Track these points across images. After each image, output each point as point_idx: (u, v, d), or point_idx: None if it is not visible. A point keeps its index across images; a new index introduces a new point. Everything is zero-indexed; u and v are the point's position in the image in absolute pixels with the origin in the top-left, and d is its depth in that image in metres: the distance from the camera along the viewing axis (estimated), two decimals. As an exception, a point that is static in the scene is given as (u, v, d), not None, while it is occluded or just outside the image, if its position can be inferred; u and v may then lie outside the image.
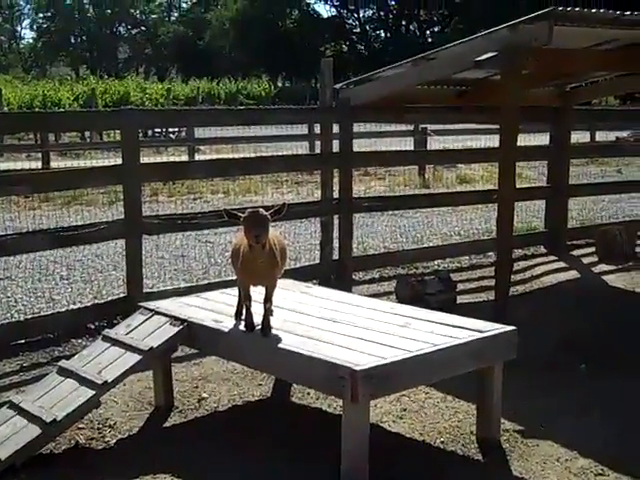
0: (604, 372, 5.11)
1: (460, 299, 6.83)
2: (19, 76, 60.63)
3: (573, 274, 7.98)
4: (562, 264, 8.36)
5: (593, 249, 8.72)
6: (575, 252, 8.90)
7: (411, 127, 17.36)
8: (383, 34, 66.09)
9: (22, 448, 3.71)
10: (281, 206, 3.93)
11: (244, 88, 44.09)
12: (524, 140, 7.79)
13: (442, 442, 4.13)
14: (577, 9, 5.63)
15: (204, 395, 4.74)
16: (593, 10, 5.73)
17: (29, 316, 6.14)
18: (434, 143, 16.63)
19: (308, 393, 4.69)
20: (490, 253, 8.50)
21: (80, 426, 4.18)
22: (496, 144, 6.53)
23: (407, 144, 17.02)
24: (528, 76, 6.45)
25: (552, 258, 8.63)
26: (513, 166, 6.08)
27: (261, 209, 3.84)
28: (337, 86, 7.25)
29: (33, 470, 3.69)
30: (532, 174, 14.37)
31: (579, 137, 12.16)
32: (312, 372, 3.66)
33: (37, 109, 27.13)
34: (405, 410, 4.50)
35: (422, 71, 6.58)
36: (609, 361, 5.32)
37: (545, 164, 9.93)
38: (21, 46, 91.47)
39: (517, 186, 6.55)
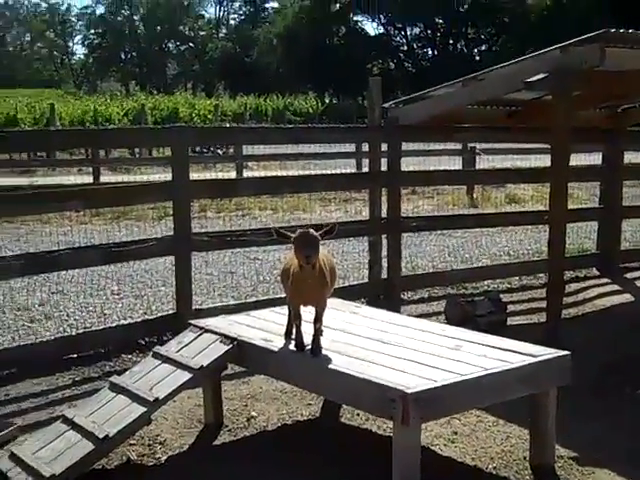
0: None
1: (510, 321, 6.76)
2: (70, 91, 61.90)
3: (627, 297, 7.85)
4: (615, 287, 8.23)
5: (648, 272, 8.56)
6: (628, 275, 8.75)
7: (459, 146, 17.31)
8: (430, 52, 65.98)
9: (76, 463, 3.74)
10: (332, 226, 3.94)
11: (291, 104, 44.35)
12: (575, 159, 7.71)
13: (494, 468, 4.07)
14: (630, 31, 5.57)
15: (253, 414, 4.74)
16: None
17: (81, 331, 6.23)
18: (483, 162, 16.52)
19: (357, 414, 4.67)
20: (541, 274, 8.40)
21: (131, 442, 4.21)
22: (546, 163, 6.48)
23: (455, 163, 16.95)
24: (579, 98, 6.38)
25: (605, 280, 8.50)
26: (565, 187, 6.02)
27: (312, 229, 3.85)
28: (386, 105, 7.25)
29: (86, 485, 3.73)
30: (583, 195, 14.18)
31: (631, 157, 11.96)
32: (362, 393, 3.64)
33: (88, 124, 27.60)
34: (456, 434, 4.46)
35: (472, 91, 6.55)
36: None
37: (597, 184, 9.80)
38: (73, 62, 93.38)
39: (568, 207, 6.48)
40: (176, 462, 4.10)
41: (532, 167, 11.46)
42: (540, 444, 4.03)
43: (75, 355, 5.72)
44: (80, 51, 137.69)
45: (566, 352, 3.97)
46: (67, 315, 6.83)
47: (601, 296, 7.88)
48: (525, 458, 4.11)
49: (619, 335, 6.45)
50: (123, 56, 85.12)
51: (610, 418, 4.72)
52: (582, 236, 10.09)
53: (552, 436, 4.01)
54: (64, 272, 7.52)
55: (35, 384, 5.24)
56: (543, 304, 6.67)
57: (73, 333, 6.16)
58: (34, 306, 7.09)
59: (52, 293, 7.54)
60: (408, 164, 7.92)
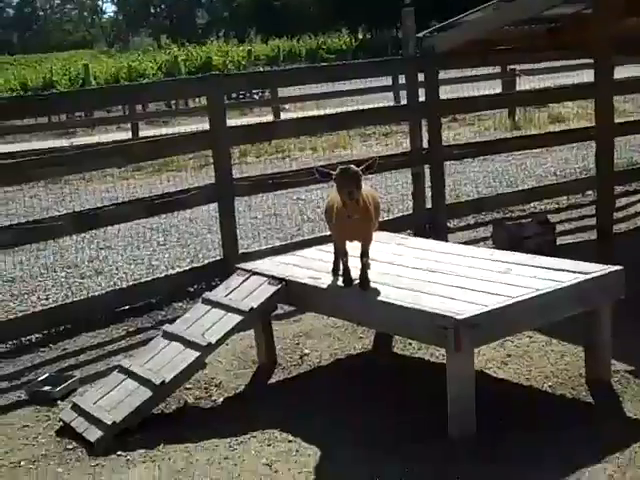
0: None
1: (560, 240, 6.66)
2: (103, 50, 61.95)
3: (679, 208, 7.67)
4: (667, 198, 8.04)
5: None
6: (682, 186, 8.53)
7: (498, 69, 16.90)
8: (462, -24, 64.38)
9: (135, 410, 3.83)
10: (372, 161, 3.87)
11: (324, 43, 43.78)
12: (620, 72, 7.47)
13: (550, 386, 4.05)
14: None
15: (306, 351, 4.77)
16: None
17: (131, 283, 6.30)
18: (523, 83, 16.12)
19: (410, 344, 4.67)
20: (589, 192, 8.24)
21: (188, 386, 4.27)
22: (590, 78, 6.27)
23: (496, 86, 16.58)
24: (620, 6, 6.13)
25: (656, 193, 8.31)
26: (610, 101, 5.83)
27: (352, 165, 3.79)
28: (420, 34, 7.08)
29: (147, 430, 3.80)
30: (629, 107, 13.80)
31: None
32: (414, 323, 3.63)
33: (123, 81, 27.61)
34: (509, 356, 4.43)
35: (507, 12, 6.35)
36: None
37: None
38: (103, 20, 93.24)
39: (615, 121, 6.30)
40: (233, 403, 4.16)
41: (574, 84, 11.17)
42: (596, 360, 3.99)
43: (127, 307, 5.80)
44: (110, 9, 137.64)
45: (618, 267, 3.90)
46: (116, 269, 6.92)
47: (652, 209, 7.71)
48: (581, 375, 4.08)
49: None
50: (152, 10, 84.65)
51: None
52: (631, 149, 9.83)
53: (608, 351, 3.97)
54: (110, 227, 7.59)
55: (91, 337, 5.35)
56: (593, 221, 6.54)
57: (124, 286, 6.24)
58: (84, 263, 7.19)
59: (100, 249, 7.64)
60: (446, 92, 7.75)
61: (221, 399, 4.21)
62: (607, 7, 5.58)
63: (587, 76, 12.90)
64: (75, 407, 4.02)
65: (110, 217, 5.92)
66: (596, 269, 3.90)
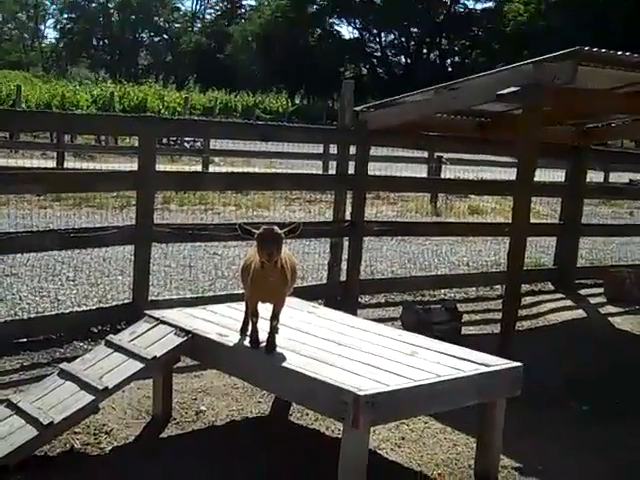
0: (605, 414, 5.08)
1: (465, 330, 6.80)
2: (39, 75, 61.05)
3: (580, 313, 7.94)
4: (569, 302, 8.33)
5: (601, 290, 8.68)
6: (583, 291, 8.86)
7: (425, 154, 17.39)
8: (403, 60, 66.39)
9: (17, 449, 3.67)
10: (296, 225, 3.91)
11: (261, 102, 44.23)
12: (539, 175, 7.81)
13: (439, 474, 4.08)
14: (603, 50, 5.63)
15: (202, 408, 4.71)
16: (619, 52, 5.72)
17: (33, 315, 6.12)
18: (447, 172, 16.62)
19: (307, 413, 4.66)
20: (497, 286, 8.47)
21: (77, 430, 4.15)
22: (509, 177, 6.53)
23: (420, 170, 17.03)
24: (548, 113, 6.44)
25: (559, 296, 8.60)
26: (528, 201, 6.06)
27: (276, 227, 3.82)
28: (357, 108, 7.25)
29: (27, 471, 3.66)
30: (543, 209, 14.33)
31: (593, 176, 12.14)
32: (314, 394, 3.63)
33: (55, 109, 27.22)
34: (404, 439, 4.47)
35: (445, 100, 6.57)
36: (610, 403, 5.28)
37: (558, 200, 9.91)
38: (43, 45, 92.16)
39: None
40: (121, 453, 4.05)
41: (496, 180, 11.57)
42: (486, 453, 4.05)
43: (25, 339, 5.62)
44: (51, 35, 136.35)
45: (518, 363, 4.00)
46: (20, 298, 6.71)
47: (555, 311, 7.97)
48: (470, 466, 4.14)
49: (571, 350, 6.53)
50: (95, 42, 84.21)
51: (557, 432, 4.77)
52: (539, 250, 10.19)
53: (498, 446, 4.04)
54: (19, 255, 7.40)
55: (-19, 366, 5.15)
56: (498, 315, 6.72)
57: (25, 317, 6.05)
58: (-14, 287, 6.97)
59: (5, 275, 7.42)
60: (373, 169, 7.93)
61: (109, 447, 4.09)
62: (536, 112, 5.84)
63: (506, 174, 13.42)
64: (-47, 438, 3.85)
65: (22, 244, 5.76)
66: (497, 362, 3.99)
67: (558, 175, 10.67)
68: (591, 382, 5.72)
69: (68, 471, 3.76)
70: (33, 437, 3.74)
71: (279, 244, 3.74)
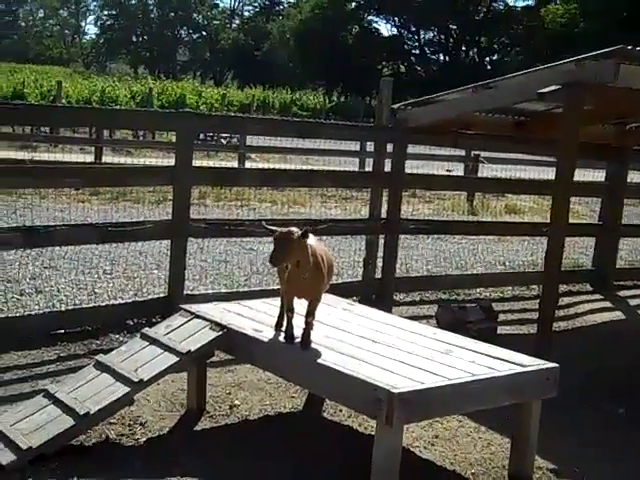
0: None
1: (501, 330, 6.74)
2: (79, 70, 61.81)
3: (618, 315, 7.85)
4: (607, 304, 8.23)
5: (641, 291, 8.57)
6: (622, 293, 8.75)
7: (462, 152, 17.27)
8: (442, 57, 66.01)
9: (54, 437, 3.73)
10: (305, 230, 3.82)
11: (298, 99, 44.30)
12: (578, 174, 7.71)
13: (472, 474, 4.06)
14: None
15: (236, 402, 4.72)
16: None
17: (70, 307, 6.20)
18: (484, 170, 16.50)
19: (340, 410, 4.65)
20: (534, 286, 8.40)
21: (112, 421, 4.19)
22: (546, 177, 6.46)
23: (457, 169, 16.93)
24: (589, 112, 6.36)
25: (597, 297, 8.50)
26: (567, 201, 5.99)
27: (291, 229, 3.79)
28: (395, 106, 7.23)
29: (63, 460, 3.70)
30: (582, 210, 14.18)
31: (633, 177, 11.97)
32: (349, 391, 3.62)
33: (94, 104, 27.52)
34: (437, 437, 4.44)
35: (483, 98, 6.51)
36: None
37: (596, 200, 9.80)
38: (84, 41, 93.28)
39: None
40: (155, 444, 4.08)
41: (534, 179, 11.45)
42: (520, 454, 4.01)
43: (62, 331, 5.69)
44: (92, 31, 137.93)
45: (554, 364, 3.96)
46: (57, 290, 6.80)
47: (592, 312, 7.88)
48: (504, 466, 4.10)
49: (608, 352, 6.45)
50: (134, 39, 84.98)
51: (593, 434, 4.72)
52: (578, 251, 10.08)
53: (533, 447, 4.00)
54: (58, 248, 7.49)
55: (20, 356, 5.22)
56: (534, 315, 6.66)
57: (62, 309, 6.13)
58: (25, 279, 7.06)
59: (44, 267, 7.51)
60: (410, 167, 7.90)
61: (144, 439, 4.13)
62: (577, 111, 5.77)
63: (544, 173, 13.28)
64: (-8, 426, 3.90)
65: (61, 238, 5.84)
66: (533, 363, 3.95)
67: (598, 175, 10.54)
68: (628, 385, 5.64)
69: (103, 461, 3.80)
70: (70, 427, 3.79)
71: (285, 249, 3.73)
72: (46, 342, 5.48)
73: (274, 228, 3.83)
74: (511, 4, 59.59)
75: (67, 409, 3.87)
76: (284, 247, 3.74)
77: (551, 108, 7.05)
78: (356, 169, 17.16)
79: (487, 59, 64.58)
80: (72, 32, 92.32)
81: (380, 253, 7.38)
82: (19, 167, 6.91)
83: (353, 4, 64.96)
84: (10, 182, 6.09)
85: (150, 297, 6.55)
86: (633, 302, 8.38)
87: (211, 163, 15.66)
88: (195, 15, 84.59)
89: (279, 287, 4.29)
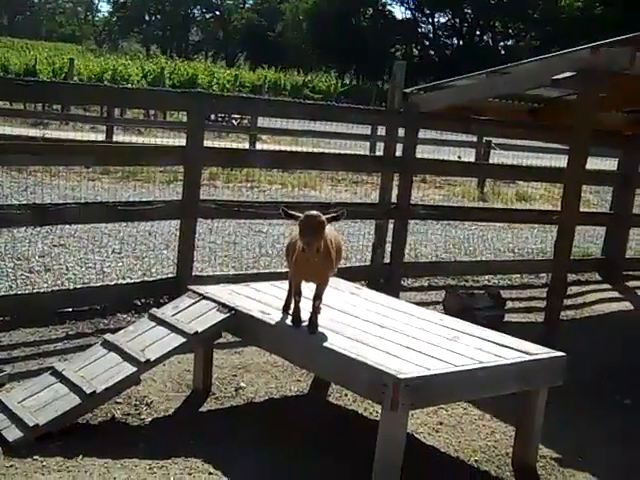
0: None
1: (508, 317, 6.73)
2: (91, 48, 61.72)
3: (626, 305, 7.83)
4: (616, 294, 8.20)
5: (650, 282, 8.54)
6: (630, 283, 8.71)
7: (474, 138, 17.17)
8: (455, 42, 65.58)
9: (60, 416, 3.76)
10: (340, 213, 3.85)
11: (310, 82, 44.12)
12: (590, 163, 7.66)
13: (476, 461, 4.06)
14: (663, 37, 5.48)
15: (242, 384, 4.74)
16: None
17: (79, 285, 6.22)
18: (495, 157, 16.43)
19: (346, 394, 4.66)
20: (542, 274, 8.37)
21: (118, 400, 4.21)
22: (558, 164, 6.42)
23: (468, 154, 16.85)
24: (604, 99, 6.32)
25: (606, 286, 8.48)
26: (579, 189, 5.97)
27: (318, 214, 3.76)
28: (407, 90, 7.18)
29: (68, 438, 3.73)
30: (593, 198, 14.12)
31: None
32: (355, 375, 3.62)
33: (106, 82, 27.51)
34: (442, 424, 4.45)
35: (496, 84, 6.48)
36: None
37: (608, 189, 9.74)
38: (96, 19, 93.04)
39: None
40: (160, 424, 4.10)
41: (546, 166, 11.39)
42: (524, 442, 4.02)
43: (70, 309, 5.71)
44: (105, 8, 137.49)
45: (561, 353, 3.95)
46: (66, 269, 6.81)
47: (601, 301, 7.86)
48: (508, 454, 4.10)
49: (614, 341, 6.44)
50: (147, 18, 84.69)
51: (598, 423, 4.72)
52: (588, 240, 10.04)
53: (538, 435, 4.00)
54: (68, 226, 7.50)
55: (28, 334, 5.25)
56: (542, 304, 6.65)
57: (71, 287, 6.15)
58: (34, 257, 7.07)
59: (54, 246, 7.53)
60: (421, 152, 7.86)
61: (149, 419, 4.14)
62: (592, 97, 5.72)
63: (555, 161, 13.20)
64: (-1, 402, 3.93)
65: (71, 216, 5.83)
66: (540, 351, 3.95)
67: (610, 164, 10.47)
68: (634, 375, 5.63)
69: (108, 440, 3.81)
70: (76, 405, 3.81)
71: (319, 233, 3.71)
72: (54, 320, 5.50)
73: (297, 213, 3.81)
74: (527, -11, 58.89)
75: (74, 387, 3.89)
76: (318, 231, 3.71)
77: (565, 95, 7.01)
78: (367, 153, 17.10)
79: (501, 44, 64.11)
80: (85, 10, 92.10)
81: (389, 238, 7.37)
82: (30, 144, 6.90)
83: (367, -14, 64.49)
84: (22, 159, 6.07)
85: (159, 277, 6.55)
86: (642, 292, 8.36)
87: (222, 144, 15.64)
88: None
89: (287, 270, 4.29)
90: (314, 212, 3.78)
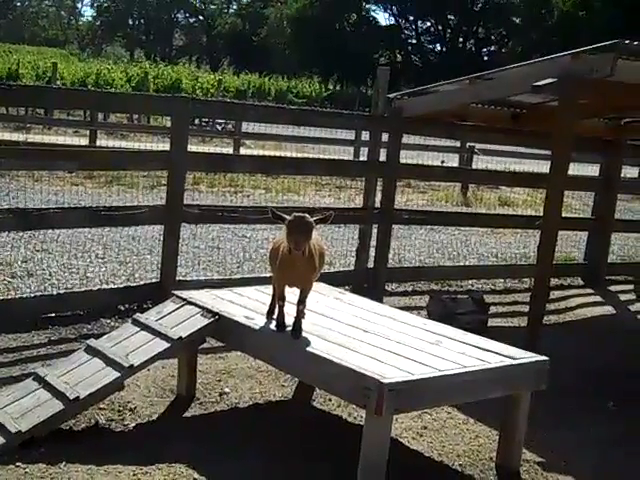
0: (631, 410, 5.03)
1: (491, 322, 6.76)
2: (74, 52, 61.45)
3: (608, 309, 7.87)
4: (598, 298, 8.25)
5: (632, 287, 8.59)
6: (613, 287, 8.77)
7: (457, 143, 17.24)
8: (439, 47, 65.88)
9: (43, 422, 3.73)
10: (327, 215, 3.88)
11: (294, 87, 44.12)
12: (572, 169, 7.74)
13: (460, 465, 4.07)
14: (643, 43, 5.53)
15: (226, 389, 4.73)
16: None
17: (62, 291, 6.19)
18: (479, 162, 16.51)
19: (330, 399, 4.66)
20: (525, 279, 8.41)
21: (101, 406, 4.19)
22: (540, 170, 6.46)
23: (452, 160, 16.92)
24: (585, 106, 6.36)
25: (588, 291, 8.53)
26: (561, 194, 6.00)
27: (307, 215, 3.79)
28: (391, 95, 7.21)
29: (51, 445, 3.70)
30: (575, 203, 14.19)
31: (627, 172, 11.99)
32: (338, 380, 3.63)
33: (90, 87, 27.40)
34: (426, 428, 4.46)
35: (479, 89, 6.51)
36: (637, 400, 5.23)
37: (590, 194, 9.81)
38: (80, 23, 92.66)
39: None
40: (144, 430, 4.08)
41: (528, 172, 11.46)
42: (508, 446, 4.03)
43: (54, 315, 5.69)
44: (88, 13, 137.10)
45: (544, 357, 3.97)
46: (49, 274, 6.78)
47: (583, 306, 7.90)
48: (491, 458, 4.12)
49: (598, 346, 6.48)
50: (131, 22, 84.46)
51: (581, 427, 4.74)
52: (570, 245, 10.10)
53: (521, 439, 4.02)
54: (50, 231, 7.47)
55: (10, 339, 5.22)
56: (525, 308, 6.68)
57: (54, 292, 6.12)
58: (17, 262, 7.04)
59: (36, 251, 7.50)
60: (405, 157, 7.89)
61: (133, 424, 4.13)
62: (572, 104, 5.76)
63: (539, 166, 13.29)
64: (-19, 409, 3.90)
65: (54, 220, 5.82)
66: (523, 355, 3.97)
67: (592, 170, 10.55)
68: (618, 378, 5.67)
69: (92, 446, 3.80)
70: (59, 411, 3.79)
71: (308, 233, 3.73)
72: (37, 325, 5.48)
73: (285, 215, 3.82)
74: (509, -4, 59.24)
75: (57, 393, 3.87)
76: (306, 231, 3.72)
77: (547, 101, 7.05)
78: (351, 158, 17.13)
79: (484, 50, 64.48)
80: (68, 14, 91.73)
81: (373, 243, 7.39)
82: (13, 149, 6.87)
83: (351, -9, 64.65)
84: (4, 163, 6.04)
85: (142, 282, 6.54)
86: (624, 297, 8.41)
87: (206, 149, 15.62)
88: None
89: (271, 275, 4.29)
90: (302, 213, 3.80)
